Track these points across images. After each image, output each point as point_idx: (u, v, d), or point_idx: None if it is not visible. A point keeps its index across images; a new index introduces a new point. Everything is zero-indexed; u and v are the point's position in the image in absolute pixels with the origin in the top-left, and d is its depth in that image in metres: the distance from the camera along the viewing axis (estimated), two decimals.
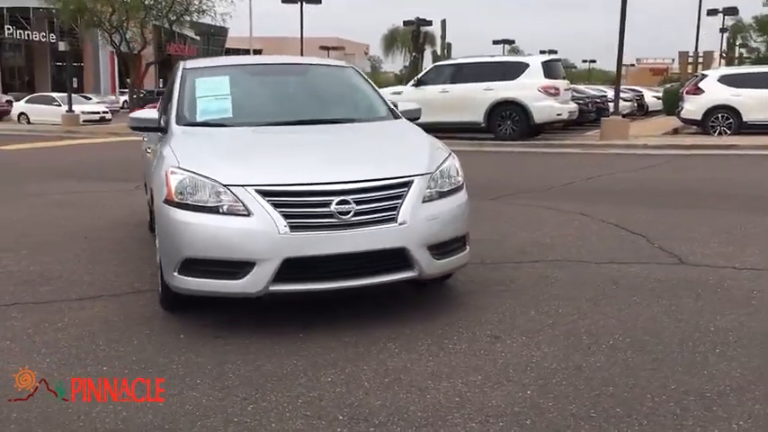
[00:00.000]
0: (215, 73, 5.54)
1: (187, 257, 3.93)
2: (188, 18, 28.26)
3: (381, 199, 4.03)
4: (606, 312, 4.34)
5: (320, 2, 44.04)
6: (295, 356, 3.69)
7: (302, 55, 46.52)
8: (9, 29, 48.77)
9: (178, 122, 4.83)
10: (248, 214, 3.83)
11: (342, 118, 5.10)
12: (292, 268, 3.87)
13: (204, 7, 27.84)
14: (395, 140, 4.85)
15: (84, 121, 30.08)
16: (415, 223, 4.04)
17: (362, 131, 4.97)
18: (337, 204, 3.88)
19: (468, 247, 4.52)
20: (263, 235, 3.80)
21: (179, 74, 5.35)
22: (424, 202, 4.14)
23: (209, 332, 4.05)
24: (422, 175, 4.21)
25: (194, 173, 3.99)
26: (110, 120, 31.08)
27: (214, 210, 3.88)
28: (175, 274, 3.98)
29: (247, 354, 3.72)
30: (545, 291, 4.81)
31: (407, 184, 4.12)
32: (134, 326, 4.17)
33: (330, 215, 3.87)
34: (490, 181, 10.62)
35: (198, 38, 69.39)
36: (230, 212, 3.86)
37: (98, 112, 31.37)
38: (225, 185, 3.89)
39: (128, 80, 29.17)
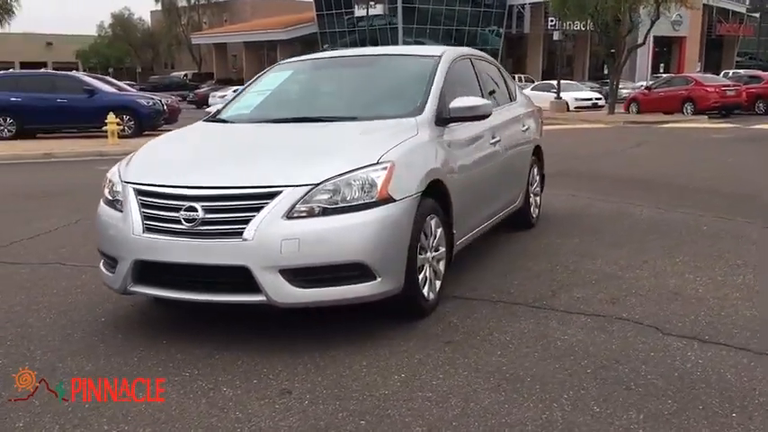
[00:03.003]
0: (285, 68, 5.55)
1: (98, 248, 4.20)
2: None
3: (233, 209, 3.63)
4: (477, 398, 3.05)
5: None
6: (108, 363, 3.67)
7: None
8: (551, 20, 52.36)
9: (210, 118, 5.06)
10: (122, 211, 3.91)
11: (342, 116, 4.56)
12: (147, 271, 3.81)
13: None
14: (334, 141, 4.17)
15: (576, 107, 30.87)
16: (263, 240, 3.52)
17: (328, 131, 4.38)
18: (185, 211, 3.65)
19: (378, 279, 3.66)
20: (123, 233, 3.83)
21: (267, 69, 5.53)
22: (292, 217, 3.56)
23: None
24: (296, 186, 3.61)
25: (119, 168, 4.21)
26: (602, 106, 31.09)
27: (113, 204, 4.05)
28: (101, 264, 4.26)
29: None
30: (487, 354, 3.57)
31: (272, 195, 3.59)
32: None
33: (178, 221, 3.67)
34: None
35: (756, 15, 63.15)
36: (120, 209, 3.98)
37: (590, 99, 31.73)
38: (123, 182, 4.02)
39: (605, 69, 28.48)
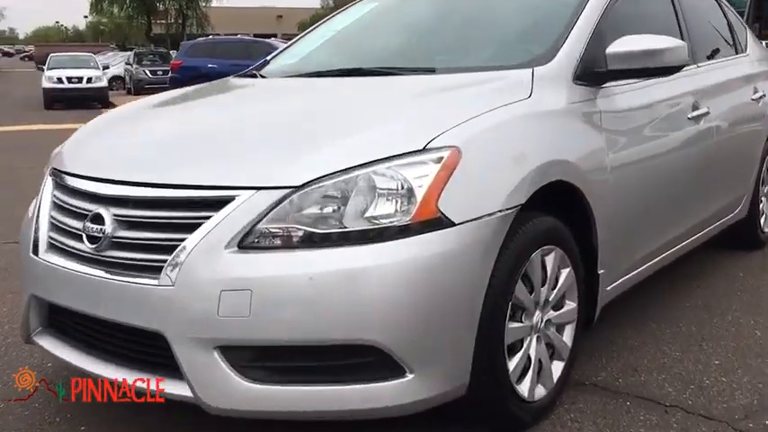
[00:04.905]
0: (371, 0, 3.79)
1: None
2: None
3: (154, 225, 2.04)
4: None
5: None
6: None
7: None
8: None
9: (250, 69, 3.66)
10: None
11: (416, 66, 2.83)
12: (51, 314, 2.36)
13: None
14: (367, 110, 2.38)
15: None
16: (187, 288, 1.90)
17: (373, 91, 2.63)
18: (90, 222, 2.12)
19: (409, 375, 1.89)
20: (23, 250, 2.41)
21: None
22: (246, 246, 1.89)
23: None
24: (259, 189, 1.92)
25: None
26: None
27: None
28: None
29: None
30: None
31: (217, 204, 1.94)
32: None
33: (80, 237, 2.16)
34: None
35: None
36: None
37: None
38: (50, 168, 2.58)
39: None
